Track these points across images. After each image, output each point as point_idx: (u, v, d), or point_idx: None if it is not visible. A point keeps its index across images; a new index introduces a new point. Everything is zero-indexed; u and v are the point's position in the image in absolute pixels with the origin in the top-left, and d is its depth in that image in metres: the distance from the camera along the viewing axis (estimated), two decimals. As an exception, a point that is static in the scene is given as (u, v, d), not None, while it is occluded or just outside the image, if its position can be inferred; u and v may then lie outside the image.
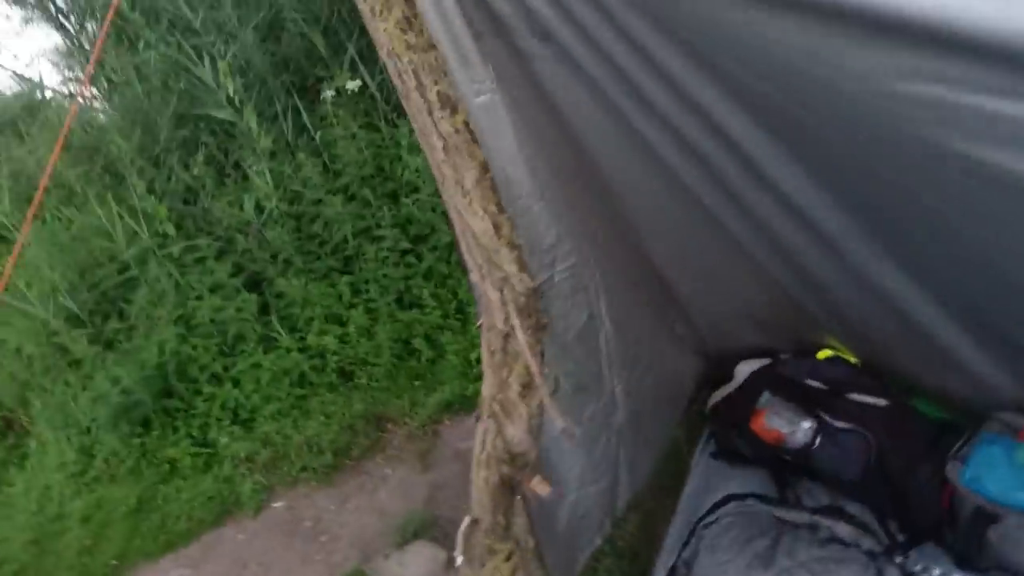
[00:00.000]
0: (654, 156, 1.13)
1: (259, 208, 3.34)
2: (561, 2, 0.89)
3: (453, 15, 0.94)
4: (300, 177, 3.30)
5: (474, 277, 0.84)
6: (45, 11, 7.38)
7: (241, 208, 3.35)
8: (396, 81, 0.79)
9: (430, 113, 0.78)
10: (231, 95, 3.39)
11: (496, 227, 0.80)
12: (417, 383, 2.76)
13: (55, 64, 7.57)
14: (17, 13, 7.78)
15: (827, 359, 1.79)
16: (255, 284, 3.25)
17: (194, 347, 2.91)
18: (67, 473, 2.88)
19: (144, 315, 3.11)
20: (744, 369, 1.88)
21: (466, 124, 0.81)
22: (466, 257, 0.85)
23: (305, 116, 3.54)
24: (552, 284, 1.15)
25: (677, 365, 1.98)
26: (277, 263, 3.24)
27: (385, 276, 3.05)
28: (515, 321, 0.81)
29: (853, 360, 1.78)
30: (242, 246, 3.29)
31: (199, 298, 3.05)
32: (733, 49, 0.78)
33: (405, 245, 3.06)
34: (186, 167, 3.64)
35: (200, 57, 3.52)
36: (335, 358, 2.90)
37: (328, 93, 3.56)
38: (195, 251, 3.27)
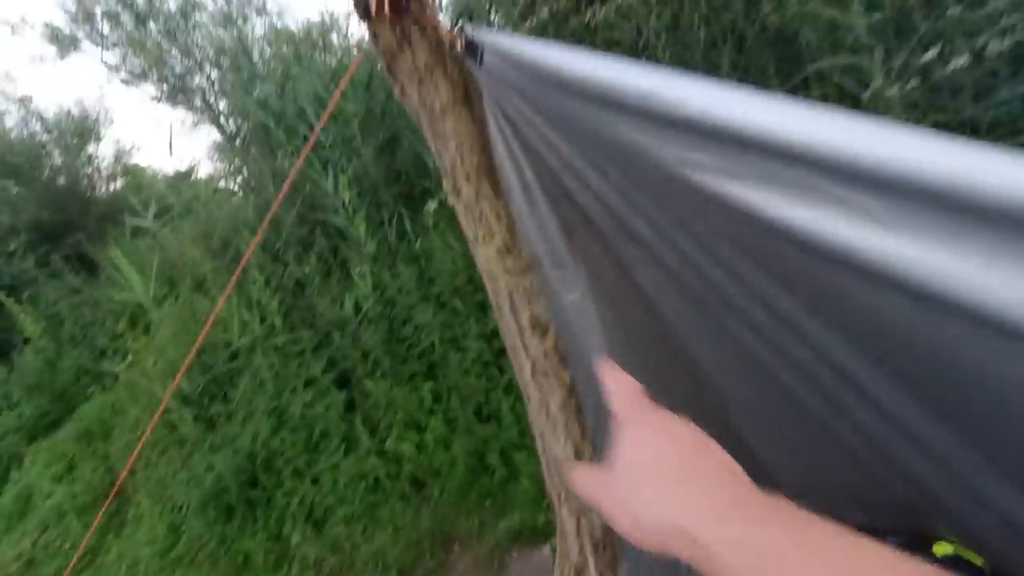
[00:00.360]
0: (747, 355, 1.10)
1: (357, 307, 3.58)
2: (648, 214, 0.92)
3: (548, 218, 1.00)
4: (397, 283, 3.51)
5: (553, 501, 0.84)
6: (210, 115, 8.71)
7: (342, 306, 3.61)
8: (491, 299, 0.85)
9: (520, 336, 0.82)
10: (346, 203, 3.77)
11: (577, 453, 0.81)
12: (488, 503, 2.71)
13: (211, 160, 8.82)
14: (189, 116, 9.23)
15: (945, 557, 1.57)
16: (344, 381, 3.42)
17: (283, 440, 3.06)
18: (155, 549, 3.04)
19: (245, 401, 3.34)
20: (846, 555, 1.68)
21: (555, 348, 0.84)
22: (546, 481, 0.85)
23: (408, 224, 3.82)
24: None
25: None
26: (367, 362, 3.40)
27: (467, 386, 3.10)
28: (589, 556, 0.79)
29: (978, 562, 1.54)
30: (337, 342, 3.52)
31: (293, 391, 3.25)
32: (842, 304, 0.76)
33: (488, 357, 3.12)
34: (299, 263, 4.01)
35: (325, 168, 3.98)
36: (410, 466, 2.93)
37: (431, 205, 3.85)
38: (297, 343, 3.53)
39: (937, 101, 2.36)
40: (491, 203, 0.84)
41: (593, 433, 1.03)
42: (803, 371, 1.07)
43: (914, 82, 2.32)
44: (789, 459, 1.64)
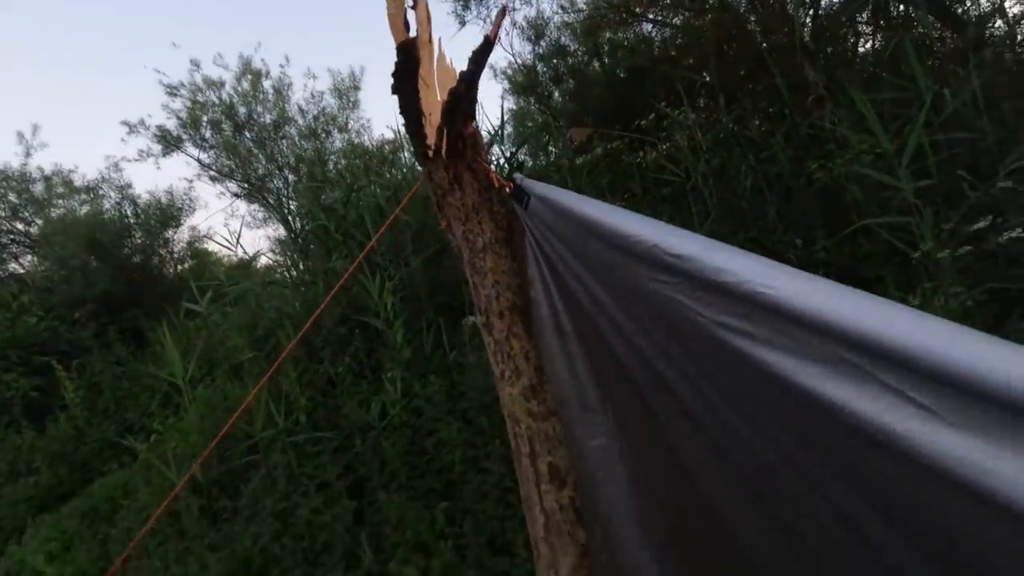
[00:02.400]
0: (778, 512, 1.00)
1: (383, 413, 3.53)
2: (681, 365, 0.89)
3: (579, 359, 0.98)
4: (426, 392, 3.48)
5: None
6: (280, 213, 9.38)
7: (368, 409, 3.57)
8: (511, 442, 0.81)
9: (537, 484, 0.77)
10: (388, 308, 3.87)
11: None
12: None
13: (275, 252, 9.44)
14: (261, 212, 9.97)
15: None
16: (358, 488, 3.28)
17: (283, 547, 2.89)
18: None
19: (254, 500, 3.23)
20: None
21: (572, 502, 0.78)
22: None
23: (445, 336, 3.85)
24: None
25: None
26: (384, 472, 3.28)
27: (483, 512, 2.92)
28: None
29: None
30: (357, 447, 3.43)
31: (304, 493, 3.13)
32: (866, 474, 0.69)
33: (509, 483, 2.96)
34: (334, 362, 4.05)
35: (373, 273, 4.14)
36: (411, 595, 2.69)
37: (470, 319, 3.90)
38: (317, 443, 3.46)
39: (993, 268, 2.31)
40: (521, 342, 0.83)
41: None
42: (822, 524, 0.96)
43: (966, 248, 2.29)
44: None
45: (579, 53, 8.67)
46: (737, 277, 0.64)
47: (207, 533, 3.15)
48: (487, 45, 0.76)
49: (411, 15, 0.85)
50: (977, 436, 0.53)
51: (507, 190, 0.87)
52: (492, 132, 5.09)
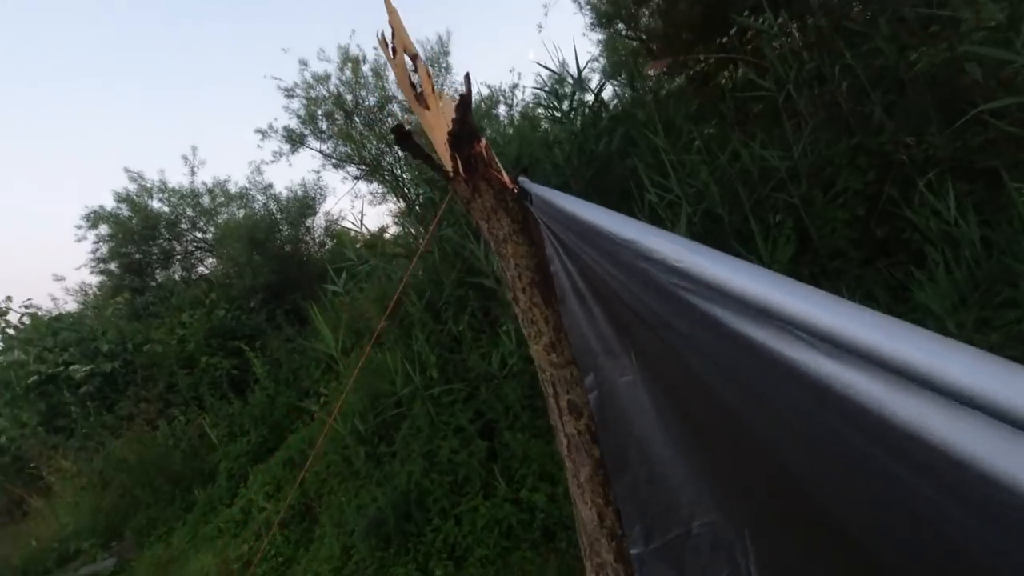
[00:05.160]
0: (762, 408, 1.14)
1: (503, 362, 3.93)
2: (674, 311, 1.06)
3: (601, 321, 1.18)
4: (536, 341, 3.80)
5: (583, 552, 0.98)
6: (396, 187, 10.11)
7: (489, 361, 3.99)
8: (541, 386, 1.05)
9: (560, 416, 1.01)
10: (496, 268, 4.21)
11: (600, 518, 0.95)
12: (611, 563, 2.75)
13: (397, 224, 10.26)
14: (379, 189, 10.78)
15: None
16: (488, 431, 3.75)
17: (432, 481, 3.45)
18: (331, 566, 3.59)
19: (404, 444, 3.84)
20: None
21: (588, 428, 1.01)
22: (578, 534, 1.00)
23: (548, 287, 4.12)
24: (688, 537, 1.22)
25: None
26: (508, 415, 3.70)
27: (597, 443, 3.22)
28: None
29: None
30: (484, 395, 3.88)
31: (444, 437, 3.66)
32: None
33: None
34: (456, 322, 4.52)
35: (478, 239, 4.49)
36: (542, 515, 3.10)
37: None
38: (450, 394, 3.98)
39: None
40: (541, 310, 1.06)
41: (631, 493, 1.17)
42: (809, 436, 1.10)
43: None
44: (907, 557, 1.54)
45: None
46: (662, 254, 0.81)
47: (373, 473, 3.83)
48: (465, 100, 0.95)
49: (414, 76, 1.07)
50: (839, 360, 0.69)
51: (515, 191, 1.08)
52: (574, 78, 5.08)
